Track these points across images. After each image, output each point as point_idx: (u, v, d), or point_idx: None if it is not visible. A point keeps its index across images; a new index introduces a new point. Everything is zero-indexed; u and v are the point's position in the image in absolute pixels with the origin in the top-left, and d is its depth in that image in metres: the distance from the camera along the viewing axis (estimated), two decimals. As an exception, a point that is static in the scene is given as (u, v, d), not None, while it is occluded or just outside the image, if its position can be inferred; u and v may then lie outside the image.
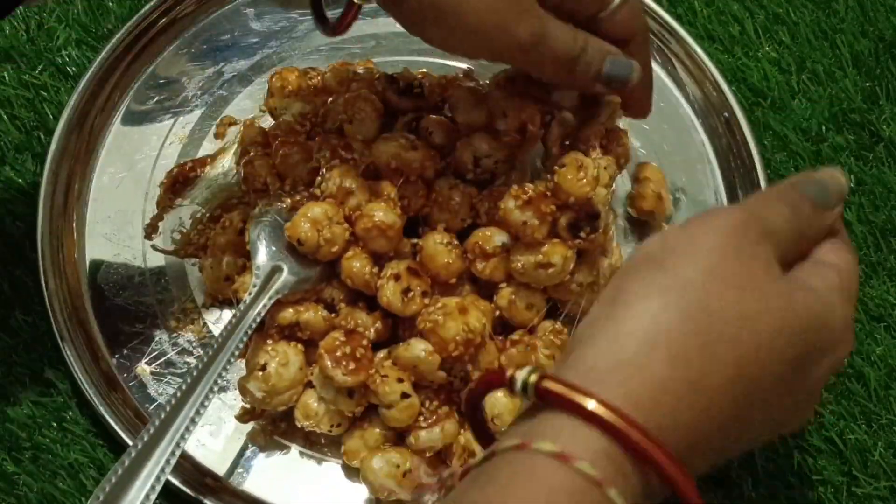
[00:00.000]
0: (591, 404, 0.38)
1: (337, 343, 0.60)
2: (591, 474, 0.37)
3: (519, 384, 0.40)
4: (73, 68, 0.75)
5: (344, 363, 0.59)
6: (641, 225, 0.71)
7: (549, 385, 0.39)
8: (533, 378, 0.40)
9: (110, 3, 0.78)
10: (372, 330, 0.61)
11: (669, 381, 0.40)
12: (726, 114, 0.73)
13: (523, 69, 0.59)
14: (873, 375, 0.66)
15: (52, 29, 0.77)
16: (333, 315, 0.62)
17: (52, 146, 0.70)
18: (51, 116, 0.73)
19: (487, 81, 0.68)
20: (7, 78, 0.74)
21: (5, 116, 0.73)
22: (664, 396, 0.39)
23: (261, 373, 0.60)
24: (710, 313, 0.41)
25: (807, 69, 0.76)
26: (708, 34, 0.78)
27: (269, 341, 0.61)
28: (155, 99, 0.74)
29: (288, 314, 0.61)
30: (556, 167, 0.61)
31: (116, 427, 0.62)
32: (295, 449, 0.63)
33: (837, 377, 0.66)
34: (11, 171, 0.72)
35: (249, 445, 0.63)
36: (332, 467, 0.63)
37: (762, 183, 0.70)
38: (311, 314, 0.61)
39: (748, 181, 0.71)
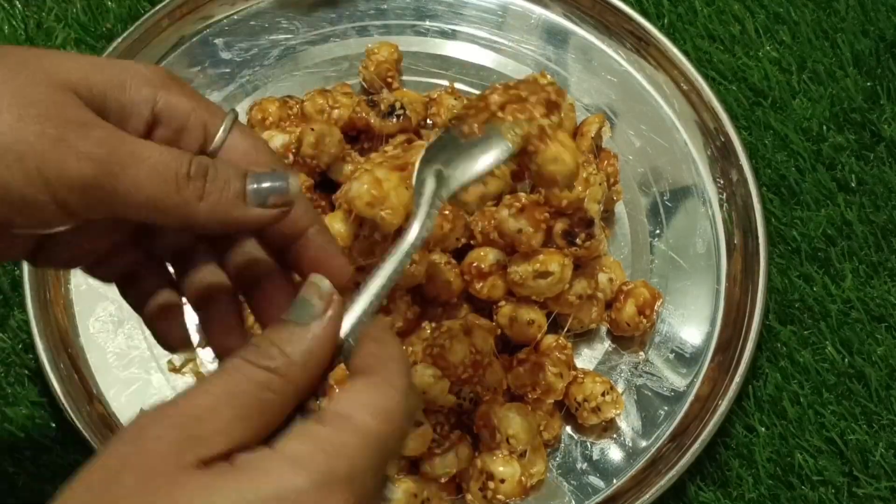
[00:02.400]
0: None
1: (347, 374, 0.59)
2: None
3: None
4: (73, 68, 0.75)
5: None
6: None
7: None
8: None
9: (109, 3, 0.78)
10: None
11: None
12: (708, 115, 0.73)
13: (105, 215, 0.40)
14: (874, 375, 0.66)
15: (51, 28, 0.77)
16: None
17: None
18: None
19: (468, 99, 0.68)
20: (6, 77, 0.74)
21: (4, 116, 0.73)
22: None
23: None
24: None
25: (807, 69, 0.76)
26: (708, 34, 0.78)
27: None
28: None
29: None
30: None
31: None
32: None
33: (838, 377, 0.66)
34: (11, 171, 0.72)
35: None
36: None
37: (748, 176, 0.70)
38: None
39: (735, 176, 0.71)
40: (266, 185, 0.41)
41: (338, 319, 0.39)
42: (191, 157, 0.40)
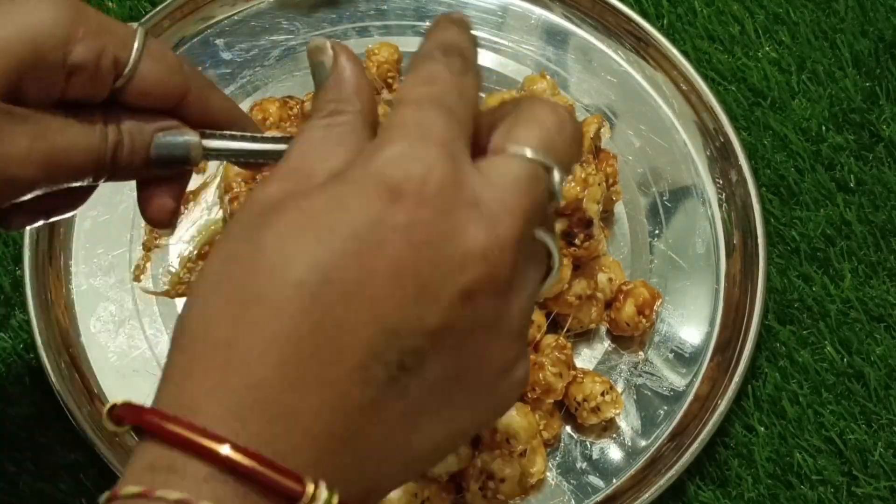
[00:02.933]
0: (224, 449, 0.31)
1: None
2: None
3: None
4: (73, 68, 0.75)
5: None
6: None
7: (170, 427, 0.32)
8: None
9: (110, 3, 0.78)
10: None
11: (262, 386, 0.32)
12: (707, 113, 0.73)
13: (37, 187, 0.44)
14: (873, 375, 0.66)
15: (52, 29, 0.77)
16: None
17: None
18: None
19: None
20: (7, 78, 0.74)
21: (5, 116, 0.73)
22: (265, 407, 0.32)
23: None
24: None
25: (807, 69, 0.76)
26: (708, 34, 0.78)
27: None
28: None
29: None
30: None
31: (118, 471, 0.60)
32: None
33: (837, 377, 0.66)
34: (11, 171, 0.72)
35: None
36: (344, 501, 0.63)
37: (747, 177, 0.70)
38: None
39: (734, 176, 0.71)
40: (168, 152, 0.45)
41: (347, 51, 0.39)
42: (111, 141, 0.44)
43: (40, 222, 0.49)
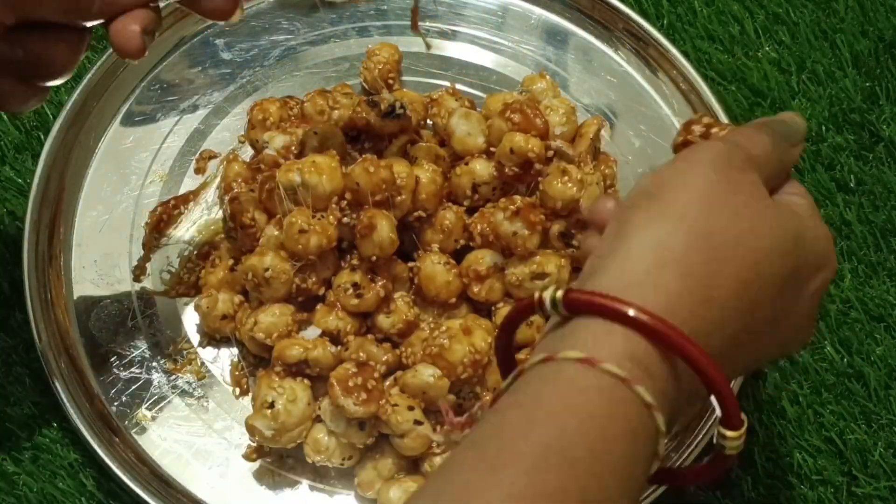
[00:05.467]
0: (630, 310, 0.41)
1: (349, 373, 0.60)
2: (618, 373, 0.40)
3: (548, 301, 0.42)
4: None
5: (355, 393, 0.59)
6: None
7: (579, 295, 0.42)
8: (559, 294, 0.42)
9: (110, 3, 0.78)
10: (384, 364, 0.61)
11: (682, 295, 0.42)
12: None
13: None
14: (873, 375, 0.66)
15: (52, 29, 0.77)
16: (341, 348, 0.62)
17: (31, 194, 0.68)
18: (50, 116, 0.73)
19: (470, 100, 0.69)
20: (7, 78, 0.74)
21: (5, 116, 0.73)
22: (679, 309, 0.42)
23: (269, 410, 0.60)
24: (708, 234, 0.43)
25: (807, 69, 0.76)
26: (708, 34, 0.78)
27: (276, 378, 0.61)
28: (131, 137, 0.72)
29: (296, 352, 0.61)
30: (540, 177, 0.61)
31: (117, 470, 0.61)
32: (305, 483, 0.63)
33: (837, 377, 0.66)
34: (11, 171, 0.72)
35: (258, 484, 0.63)
36: (344, 499, 0.63)
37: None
38: (320, 351, 0.61)
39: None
40: None
41: None
42: None
43: (36, 100, 0.52)
